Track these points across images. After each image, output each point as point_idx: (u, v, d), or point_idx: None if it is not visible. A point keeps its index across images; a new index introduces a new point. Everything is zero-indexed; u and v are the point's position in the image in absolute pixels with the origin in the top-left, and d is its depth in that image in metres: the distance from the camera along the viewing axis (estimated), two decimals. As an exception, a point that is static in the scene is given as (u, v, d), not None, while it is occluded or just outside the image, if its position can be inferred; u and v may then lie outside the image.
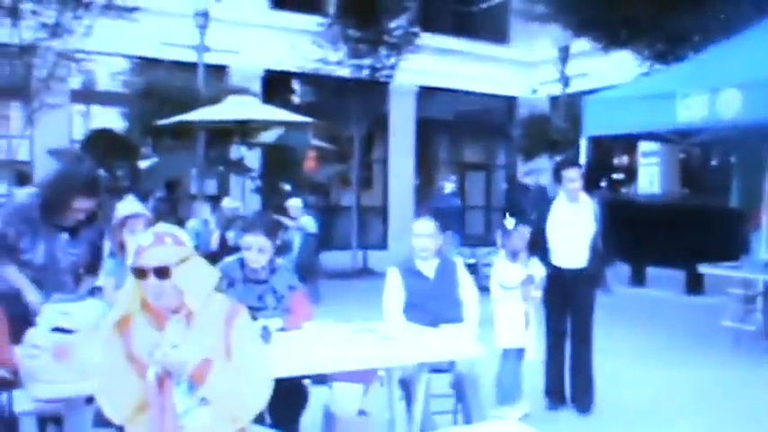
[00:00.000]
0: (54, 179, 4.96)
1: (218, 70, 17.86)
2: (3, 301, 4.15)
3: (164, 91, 14.96)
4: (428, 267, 5.72)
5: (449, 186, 15.11)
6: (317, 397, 5.02)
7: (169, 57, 16.65)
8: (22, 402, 3.97)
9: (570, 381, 6.78)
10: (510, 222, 6.10)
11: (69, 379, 3.73)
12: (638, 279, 14.92)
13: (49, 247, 4.91)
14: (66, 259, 5.01)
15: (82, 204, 4.86)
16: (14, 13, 13.58)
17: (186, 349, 3.08)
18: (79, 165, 5.04)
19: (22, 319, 4.14)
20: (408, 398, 5.17)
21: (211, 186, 17.23)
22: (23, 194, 5.01)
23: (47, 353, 3.81)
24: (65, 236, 4.99)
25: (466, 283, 5.79)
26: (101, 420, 3.76)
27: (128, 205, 5.60)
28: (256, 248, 5.05)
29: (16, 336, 4.00)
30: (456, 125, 24.08)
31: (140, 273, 3.12)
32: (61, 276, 5.00)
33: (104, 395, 3.21)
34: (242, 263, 5.13)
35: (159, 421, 3.12)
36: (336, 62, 16.95)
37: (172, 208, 16.67)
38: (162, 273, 3.10)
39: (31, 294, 4.72)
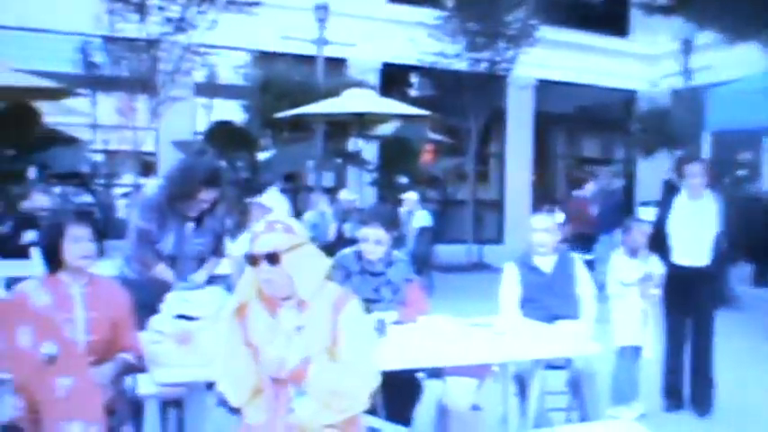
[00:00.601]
0: (178, 171, 5.10)
1: (337, 63, 17.98)
2: (129, 288, 4.29)
3: (283, 84, 15.19)
4: (546, 263, 5.66)
5: (617, 182, 14.71)
6: (431, 390, 5.01)
7: (289, 50, 16.89)
8: (145, 385, 4.10)
9: (689, 382, 6.63)
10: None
11: (191, 364, 3.82)
12: (761, 279, 14.47)
13: (177, 236, 5.06)
14: (192, 248, 5.15)
15: (205, 195, 5.00)
16: (142, 9, 14.02)
17: (284, 347, 3.16)
18: (201, 157, 5.18)
19: (147, 306, 4.28)
20: (522, 394, 5.13)
21: (329, 179, 17.42)
22: (152, 186, 5.16)
23: (170, 339, 3.92)
24: (190, 225, 5.12)
25: (583, 279, 5.71)
26: (223, 403, 3.91)
27: (268, 196, 5.75)
28: (374, 240, 5.06)
29: (141, 322, 4.12)
30: (574, 119, 23.77)
31: (253, 259, 3.20)
32: (188, 265, 5.14)
33: (225, 379, 3.32)
34: (359, 255, 5.15)
35: (273, 406, 3.23)
36: (454, 55, 16.91)
37: (290, 199, 16.96)
38: (272, 259, 3.17)
39: None
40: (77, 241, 3.89)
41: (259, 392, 3.27)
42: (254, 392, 3.28)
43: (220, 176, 5.12)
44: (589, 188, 13.96)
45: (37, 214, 9.13)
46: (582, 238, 11.89)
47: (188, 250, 5.13)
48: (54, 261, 3.93)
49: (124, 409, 4.00)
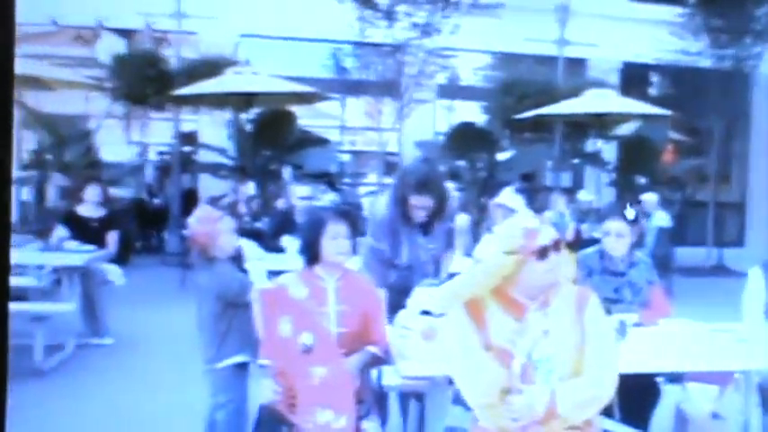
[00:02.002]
0: (396, 179, 5.31)
1: (577, 63, 17.98)
2: (377, 260, 4.54)
3: (524, 85, 15.37)
4: (796, 269, 5.46)
5: None
6: (670, 396, 4.97)
7: (529, 51, 17.05)
8: (390, 378, 4.27)
9: None
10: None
11: (435, 359, 3.86)
12: None
13: (410, 248, 5.15)
14: (426, 255, 5.23)
15: (417, 202, 5.01)
16: (390, 15, 14.65)
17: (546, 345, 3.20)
18: (418, 164, 5.33)
19: (393, 302, 4.54)
20: (765, 404, 4.93)
21: (567, 179, 17.48)
22: (382, 205, 5.40)
23: (415, 334, 4.05)
24: (420, 234, 5.18)
25: (837, 288, 5.44)
26: (459, 401, 3.94)
27: (505, 196, 5.97)
28: (615, 233, 5.05)
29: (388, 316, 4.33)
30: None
31: (542, 252, 3.19)
32: (425, 269, 5.22)
33: (464, 381, 3.33)
34: (601, 253, 5.14)
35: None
36: (697, 53, 16.51)
37: (529, 199, 17.12)
38: (558, 246, 3.22)
39: None
40: (335, 238, 4.00)
41: (503, 395, 3.21)
42: (501, 394, 3.21)
43: (433, 184, 5.07)
44: None
45: (294, 211, 9.76)
46: None
47: (422, 257, 5.21)
48: (312, 256, 4.06)
49: (370, 399, 4.11)
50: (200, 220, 4.73)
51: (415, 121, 16.09)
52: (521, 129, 15.60)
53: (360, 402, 3.87)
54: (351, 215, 4.27)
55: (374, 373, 4.34)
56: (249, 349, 4.50)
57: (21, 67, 12.28)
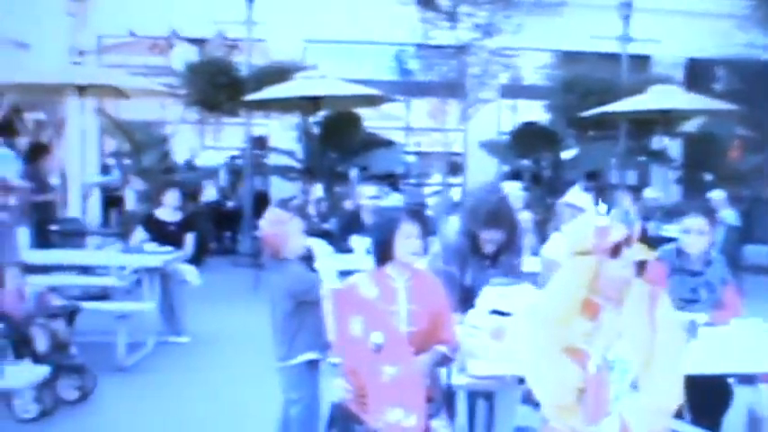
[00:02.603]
0: (467, 212, 5.32)
1: (641, 60, 17.85)
2: (446, 282, 4.54)
3: (587, 83, 15.34)
4: None
5: None
6: (742, 397, 4.91)
7: (592, 49, 17.00)
8: (459, 377, 4.20)
9: None
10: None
11: (504, 359, 3.92)
12: None
13: (475, 274, 5.11)
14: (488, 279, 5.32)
15: (487, 236, 5.02)
16: (452, 17, 14.78)
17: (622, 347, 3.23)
18: (487, 196, 5.21)
19: (461, 300, 4.66)
20: None
21: (632, 177, 17.39)
22: (453, 229, 5.46)
23: (485, 333, 4.13)
24: (489, 265, 5.15)
25: None
26: (529, 401, 4.02)
27: (572, 195, 6.03)
28: (696, 230, 5.02)
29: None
30: None
31: (615, 250, 3.26)
32: None
33: (539, 382, 3.36)
34: (679, 251, 5.13)
35: (594, 409, 3.27)
36: (764, 46, 16.29)
37: (596, 198, 17.05)
38: (629, 241, 3.26)
39: None
40: (408, 237, 4.07)
41: (578, 394, 3.26)
42: (575, 394, 3.26)
43: (502, 218, 5.05)
44: None
45: (361, 212, 9.94)
46: None
47: (485, 283, 5.21)
48: (384, 255, 4.13)
49: (439, 398, 4.14)
50: (270, 223, 4.90)
51: (479, 122, 16.12)
52: (585, 127, 15.54)
53: (429, 401, 3.92)
54: (422, 215, 4.37)
55: (443, 372, 4.37)
56: (320, 347, 4.65)
57: (101, 76, 12.68)
